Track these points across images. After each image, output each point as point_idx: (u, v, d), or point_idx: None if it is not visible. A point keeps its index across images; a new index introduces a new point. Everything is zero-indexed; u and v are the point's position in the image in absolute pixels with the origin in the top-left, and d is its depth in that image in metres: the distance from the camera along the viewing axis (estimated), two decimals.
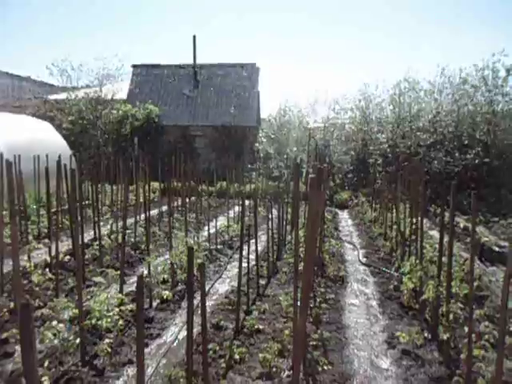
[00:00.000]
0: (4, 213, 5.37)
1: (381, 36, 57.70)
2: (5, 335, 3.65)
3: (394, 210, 7.51)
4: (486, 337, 3.71)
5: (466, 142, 13.28)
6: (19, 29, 55.64)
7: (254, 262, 5.48)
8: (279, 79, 47.88)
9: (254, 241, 5.34)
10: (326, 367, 3.37)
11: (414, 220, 5.57)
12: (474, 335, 3.14)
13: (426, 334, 3.94)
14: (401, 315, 4.54)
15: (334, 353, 3.68)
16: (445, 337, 3.56)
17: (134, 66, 19.31)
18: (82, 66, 18.05)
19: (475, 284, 4.93)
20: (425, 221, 6.14)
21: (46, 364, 3.25)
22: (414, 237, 5.58)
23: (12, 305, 4.22)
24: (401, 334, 3.84)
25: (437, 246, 5.10)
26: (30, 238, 6.97)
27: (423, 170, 6.19)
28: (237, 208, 9.72)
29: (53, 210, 6.97)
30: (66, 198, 8.12)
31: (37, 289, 4.85)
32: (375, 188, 10.95)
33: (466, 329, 3.20)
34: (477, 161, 12.54)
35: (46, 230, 7.38)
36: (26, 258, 5.67)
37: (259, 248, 5.64)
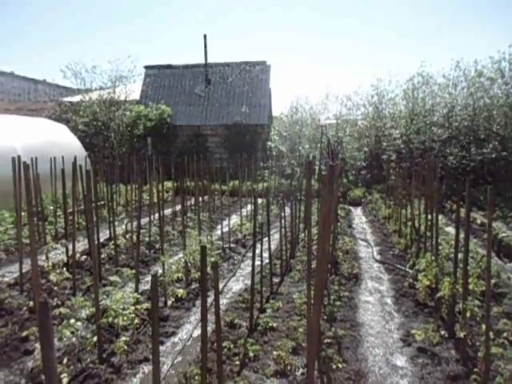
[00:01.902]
0: (22, 214, 5.50)
1: (393, 31, 56.86)
2: (25, 333, 3.74)
3: (409, 207, 7.42)
4: (505, 334, 3.65)
5: (483, 136, 13.00)
6: (33, 34, 56.71)
7: (267, 260, 5.49)
8: (291, 76, 47.76)
9: (267, 239, 5.35)
10: (340, 365, 3.36)
11: (429, 216, 5.49)
12: (491, 333, 3.09)
13: (442, 332, 3.89)
14: (416, 313, 4.49)
15: (348, 350, 3.66)
16: (462, 334, 3.50)
17: (146, 67, 19.49)
18: (95, 68, 18.26)
19: (493, 281, 4.84)
20: (440, 217, 6.05)
21: (65, 361, 3.33)
22: (429, 233, 5.51)
23: (31, 303, 4.32)
24: (416, 332, 3.80)
25: (453, 242, 5.02)
26: (48, 238, 7.12)
27: (438, 165, 6.11)
28: (250, 206, 9.74)
29: (69, 210, 7.10)
30: (81, 199, 8.28)
31: (55, 288, 4.96)
32: (389, 184, 10.82)
33: (484, 326, 3.15)
34: (494, 155, 12.26)
35: (63, 231, 7.51)
36: (44, 257, 5.80)
37: (272, 246, 5.65)
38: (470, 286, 3.97)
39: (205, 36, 18.43)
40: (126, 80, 18.27)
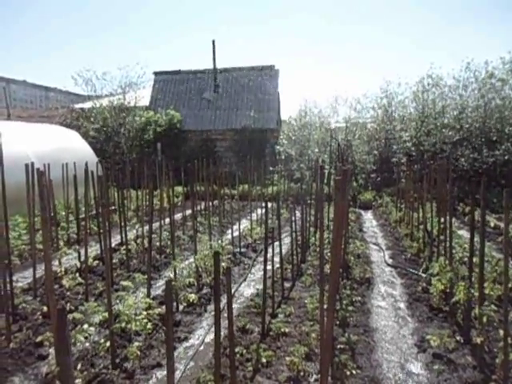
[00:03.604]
0: (35, 219, 5.57)
1: (401, 33, 56.60)
2: (39, 338, 3.77)
3: (420, 210, 7.34)
4: None
5: (495, 138, 12.84)
6: (44, 42, 57.75)
7: (278, 265, 5.47)
8: (299, 80, 47.78)
9: (277, 243, 5.33)
10: (354, 371, 3.32)
11: (442, 219, 5.42)
12: (509, 339, 3.02)
13: (457, 338, 3.82)
14: (430, 318, 4.42)
15: (362, 356, 3.62)
16: (478, 340, 3.44)
17: (156, 73, 19.66)
18: (105, 74, 18.53)
19: (510, 285, 4.74)
20: (453, 220, 5.95)
21: (79, 367, 3.35)
22: (442, 237, 5.43)
23: (45, 309, 4.36)
24: (431, 338, 3.74)
25: (466, 245, 4.95)
26: (61, 243, 7.18)
27: (450, 167, 6.03)
28: (260, 211, 9.72)
29: (81, 216, 7.17)
30: (93, 204, 8.36)
31: (68, 293, 5.00)
32: (400, 187, 10.73)
33: (501, 332, 3.08)
34: (506, 157, 12.10)
35: (75, 236, 7.59)
36: (57, 263, 5.86)
37: (283, 250, 5.62)
38: (486, 291, 3.90)
39: (213, 42, 18.58)
40: (136, 86, 18.44)
